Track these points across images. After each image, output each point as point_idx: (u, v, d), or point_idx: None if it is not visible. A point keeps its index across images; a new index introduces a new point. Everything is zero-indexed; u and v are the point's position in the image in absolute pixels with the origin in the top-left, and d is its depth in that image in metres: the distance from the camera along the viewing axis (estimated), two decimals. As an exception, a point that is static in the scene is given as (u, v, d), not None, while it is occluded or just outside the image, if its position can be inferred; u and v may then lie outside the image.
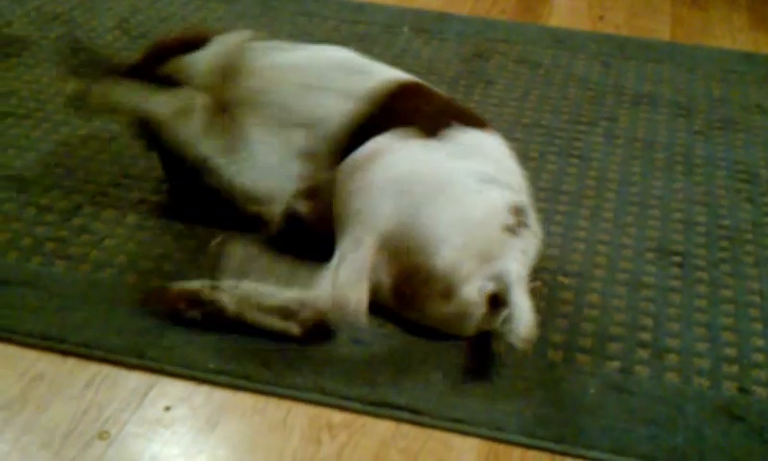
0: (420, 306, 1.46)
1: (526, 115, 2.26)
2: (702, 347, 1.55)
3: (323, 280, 1.41)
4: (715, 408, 1.42)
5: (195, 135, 1.64)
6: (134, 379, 1.39)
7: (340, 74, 1.69)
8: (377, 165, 1.44)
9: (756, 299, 1.67)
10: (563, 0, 3.04)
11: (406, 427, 1.35)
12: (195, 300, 1.44)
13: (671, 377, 1.48)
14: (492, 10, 2.93)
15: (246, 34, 1.72)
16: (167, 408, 1.35)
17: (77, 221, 1.73)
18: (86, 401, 1.35)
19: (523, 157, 2.05)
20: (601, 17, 2.93)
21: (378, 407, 1.37)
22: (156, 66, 1.69)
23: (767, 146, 2.20)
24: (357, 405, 1.37)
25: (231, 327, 1.45)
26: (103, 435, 1.30)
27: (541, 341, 1.52)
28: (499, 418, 1.37)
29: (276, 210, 1.61)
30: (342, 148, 1.55)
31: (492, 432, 1.35)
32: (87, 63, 1.84)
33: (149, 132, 1.71)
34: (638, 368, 1.49)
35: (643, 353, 1.52)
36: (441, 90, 1.79)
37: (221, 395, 1.38)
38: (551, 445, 1.34)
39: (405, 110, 1.59)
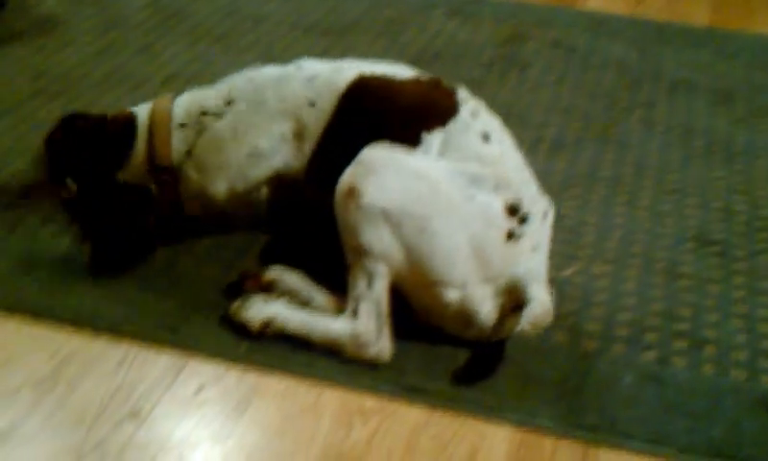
0: (444, 330, 1.47)
1: (562, 100, 2.25)
2: (740, 339, 1.53)
3: (343, 329, 1.41)
4: (753, 401, 1.41)
5: None
6: (165, 360, 1.40)
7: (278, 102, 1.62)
8: (371, 188, 1.41)
9: (797, 291, 1.66)
10: (600, -17, 3.02)
11: (438, 414, 1.35)
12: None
13: (708, 369, 1.47)
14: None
15: (167, 97, 1.65)
16: (198, 389, 1.36)
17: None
18: (117, 381, 1.36)
19: (558, 143, 2.06)
20: (639, 1, 2.91)
21: (410, 393, 1.38)
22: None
23: (810, 135, 2.17)
24: (389, 391, 1.38)
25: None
26: (134, 415, 1.31)
27: (576, 330, 1.52)
28: (532, 406, 1.37)
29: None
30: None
31: (525, 420, 1.35)
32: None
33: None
34: (675, 359, 1.48)
35: (680, 344, 1.51)
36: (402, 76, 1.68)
37: (252, 377, 1.39)
38: (585, 434, 1.34)
39: (373, 111, 1.56)
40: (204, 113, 1.60)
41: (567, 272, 1.66)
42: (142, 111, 1.62)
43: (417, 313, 1.46)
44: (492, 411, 1.36)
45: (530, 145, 2.05)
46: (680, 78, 2.40)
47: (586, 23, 2.69)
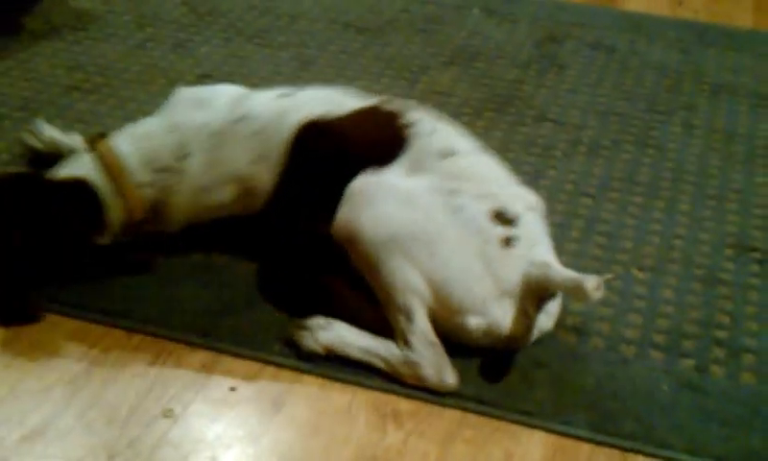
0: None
1: (600, 102, 2.24)
2: (781, 348, 1.52)
3: (400, 359, 1.40)
4: (794, 412, 1.40)
5: None
6: (199, 358, 1.42)
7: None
8: (368, 223, 1.42)
9: (841, 300, 1.64)
10: (641, -17, 3.00)
11: (472, 418, 1.36)
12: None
13: (747, 378, 1.46)
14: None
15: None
16: (232, 388, 1.38)
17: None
18: (151, 379, 1.38)
19: (596, 146, 2.05)
20: (680, 2, 2.88)
21: (445, 397, 1.38)
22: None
23: None
24: (423, 394, 1.38)
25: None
26: (167, 413, 1.33)
27: (613, 335, 1.52)
28: (568, 412, 1.37)
29: None
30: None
31: (560, 426, 1.35)
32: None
33: None
34: (714, 367, 1.48)
35: (719, 352, 1.51)
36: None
37: (286, 377, 1.40)
38: (621, 442, 1.34)
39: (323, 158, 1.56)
40: (161, 170, 1.56)
41: (605, 277, 1.65)
42: (90, 172, 1.54)
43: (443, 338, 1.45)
44: (527, 416, 1.36)
45: (567, 147, 2.05)
46: (721, 80, 2.38)
47: (625, 24, 2.68)
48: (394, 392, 1.39)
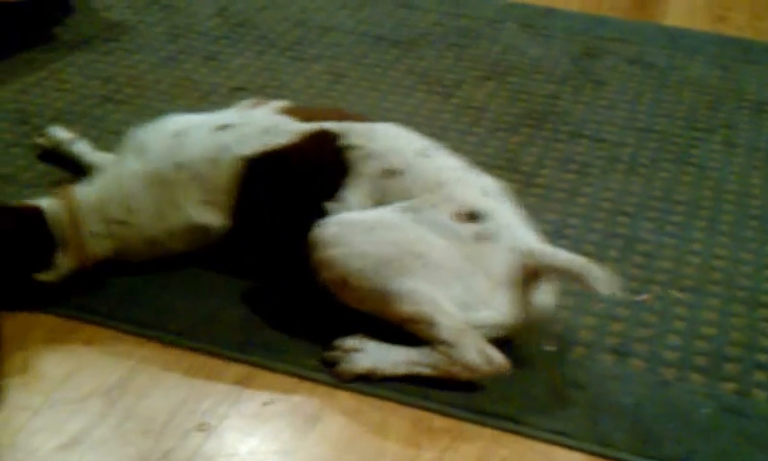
0: None
1: (638, 119, 2.26)
2: (825, 372, 1.53)
3: (448, 361, 1.42)
4: (838, 438, 1.41)
5: None
6: (234, 372, 1.45)
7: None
8: (350, 259, 1.43)
9: None
10: (681, -2, 3.02)
11: (507, 437, 1.38)
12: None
13: (791, 403, 1.47)
14: (603, 6, 2.93)
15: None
16: (266, 403, 1.40)
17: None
18: (185, 392, 1.41)
19: (634, 163, 2.07)
20: (721, 18, 2.89)
21: (479, 415, 1.40)
22: None
23: None
24: (458, 412, 1.40)
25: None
26: (202, 426, 1.36)
27: (652, 357, 1.53)
28: (605, 433, 1.39)
29: None
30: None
31: (598, 448, 1.37)
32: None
33: None
34: (756, 391, 1.49)
35: (761, 376, 1.52)
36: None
37: (321, 393, 1.43)
38: (661, 465, 1.35)
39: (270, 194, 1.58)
40: (114, 222, 1.58)
41: (643, 297, 1.67)
42: (51, 206, 1.57)
43: None
44: (563, 436, 1.38)
45: (604, 165, 2.06)
46: (763, 98, 2.39)
47: (665, 39, 2.69)
48: (428, 409, 1.41)
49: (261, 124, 1.62)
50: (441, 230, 1.46)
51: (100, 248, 1.58)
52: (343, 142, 1.57)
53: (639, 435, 1.39)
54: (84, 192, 1.60)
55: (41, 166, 1.92)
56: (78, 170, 1.87)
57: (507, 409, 1.41)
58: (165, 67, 2.35)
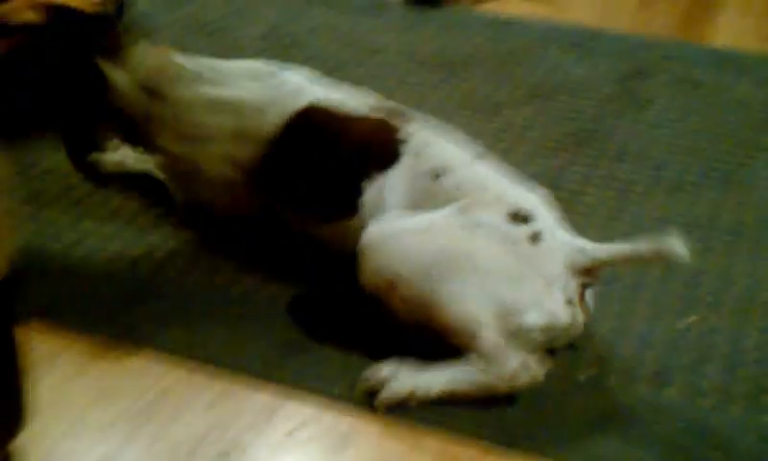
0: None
1: (683, 140, 2.15)
2: None
3: (486, 374, 1.36)
4: None
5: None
6: (260, 399, 1.40)
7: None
8: (397, 262, 1.39)
9: None
10: (728, 18, 2.89)
11: (540, 466, 1.30)
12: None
13: (836, 436, 1.36)
14: (650, 26, 2.82)
15: (165, 52, 1.71)
16: (294, 429, 1.35)
17: (211, 237, 1.75)
18: (213, 418, 1.36)
19: (678, 185, 1.97)
20: (771, 37, 2.77)
21: (508, 447, 1.33)
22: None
23: None
24: (486, 442, 1.33)
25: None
26: (228, 453, 1.31)
27: (691, 385, 1.44)
28: (640, 466, 1.30)
29: None
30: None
31: (633, 481, 1.28)
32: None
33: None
34: (799, 423, 1.38)
35: (806, 407, 1.41)
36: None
37: (349, 419, 1.37)
38: (697, 500, 1.26)
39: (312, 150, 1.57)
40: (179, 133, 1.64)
41: (684, 322, 1.57)
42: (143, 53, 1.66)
43: None
44: (597, 465, 1.30)
45: (648, 185, 1.97)
46: (813, 119, 2.26)
47: (712, 59, 2.58)
48: (456, 439, 1.34)
49: (339, 93, 1.65)
50: (493, 231, 1.40)
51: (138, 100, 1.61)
52: (401, 134, 1.55)
53: (675, 468, 1.30)
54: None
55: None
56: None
57: (536, 440, 1.33)
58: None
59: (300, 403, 1.39)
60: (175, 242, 1.73)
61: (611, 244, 1.42)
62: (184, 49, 2.51)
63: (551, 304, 1.37)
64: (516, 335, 1.37)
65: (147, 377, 1.44)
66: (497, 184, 1.49)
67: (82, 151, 1.64)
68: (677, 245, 1.34)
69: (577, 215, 1.83)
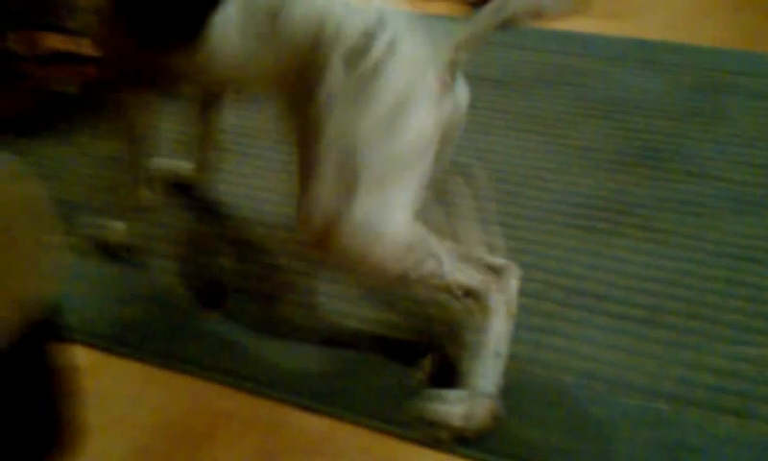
0: None
1: (764, 156, 2.08)
2: None
3: None
4: None
5: None
6: (320, 425, 1.38)
7: None
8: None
9: None
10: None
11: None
12: None
13: None
14: (729, 38, 2.75)
15: None
16: (349, 459, 1.32)
17: (273, 259, 1.76)
18: (270, 444, 1.35)
19: (761, 204, 1.90)
20: None
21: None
22: None
23: None
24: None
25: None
26: (285, 482, 1.29)
27: (746, 414, 1.37)
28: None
29: None
30: None
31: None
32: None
33: None
34: None
35: None
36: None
37: (406, 450, 1.34)
38: None
39: None
40: None
41: (747, 349, 1.51)
42: None
43: None
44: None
45: (728, 207, 1.90)
46: None
47: (795, 71, 2.49)
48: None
49: None
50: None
51: None
52: None
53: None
54: None
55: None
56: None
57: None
58: (270, 120, 2.33)
59: (357, 429, 1.37)
60: (239, 267, 1.73)
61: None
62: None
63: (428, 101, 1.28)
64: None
65: (208, 402, 1.43)
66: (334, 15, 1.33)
67: None
68: None
69: (648, 241, 1.78)
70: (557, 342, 1.52)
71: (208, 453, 1.34)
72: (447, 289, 1.33)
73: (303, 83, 1.34)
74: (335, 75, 1.30)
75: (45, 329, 1.08)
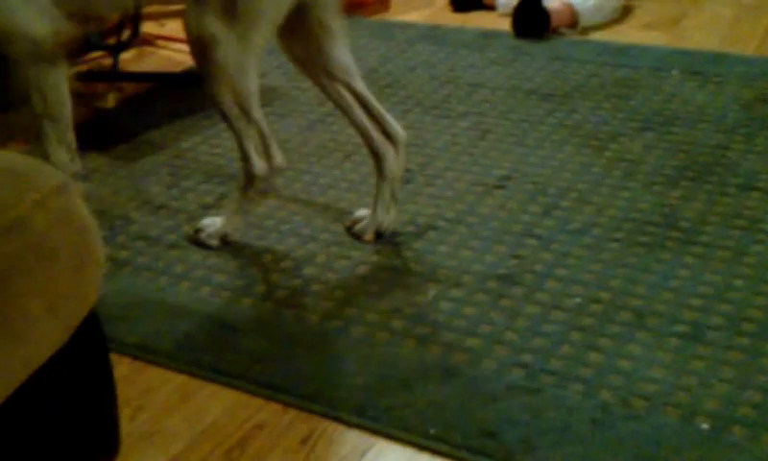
0: None
1: (812, 169, 2.07)
2: None
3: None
4: None
5: None
6: (352, 439, 1.40)
7: None
8: None
9: None
10: None
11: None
12: None
13: None
14: (776, 48, 2.74)
15: None
16: (384, 474, 1.34)
17: (308, 270, 1.79)
18: (302, 457, 1.37)
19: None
20: None
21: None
22: None
23: None
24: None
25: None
26: (317, 495, 1.31)
27: None
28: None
29: None
30: None
31: None
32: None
33: None
34: None
35: None
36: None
37: (441, 463, 1.35)
38: None
39: None
40: None
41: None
42: None
43: None
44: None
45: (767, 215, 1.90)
46: None
47: None
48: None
49: None
50: None
51: None
52: None
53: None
54: None
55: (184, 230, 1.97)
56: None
57: None
58: (312, 130, 2.38)
59: (391, 445, 1.38)
60: (270, 278, 1.77)
61: None
62: (291, 90, 2.61)
63: None
64: None
65: (240, 412, 1.46)
66: None
67: None
68: None
69: (693, 255, 1.78)
70: (595, 358, 1.53)
71: (249, 459, 1.37)
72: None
73: None
74: None
75: (88, 339, 1.12)
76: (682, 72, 2.59)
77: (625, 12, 3.13)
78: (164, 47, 3.09)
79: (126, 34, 2.76)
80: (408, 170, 2.12)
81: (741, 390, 1.45)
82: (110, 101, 2.62)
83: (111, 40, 2.78)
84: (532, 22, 2.88)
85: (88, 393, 1.16)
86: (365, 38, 2.98)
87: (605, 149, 2.20)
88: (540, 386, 1.46)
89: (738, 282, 1.71)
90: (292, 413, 1.45)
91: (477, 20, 3.16)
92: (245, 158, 1.83)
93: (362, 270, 1.78)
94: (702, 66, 2.61)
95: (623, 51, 2.73)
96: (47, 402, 1.09)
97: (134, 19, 2.72)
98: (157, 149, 2.31)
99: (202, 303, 1.71)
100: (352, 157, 2.22)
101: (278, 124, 2.41)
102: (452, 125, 2.35)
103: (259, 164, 1.83)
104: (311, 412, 1.45)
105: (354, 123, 1.89)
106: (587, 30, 2.97)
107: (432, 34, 3.02)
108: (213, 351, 1.58)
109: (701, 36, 2.87)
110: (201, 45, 1.70)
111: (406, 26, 3.12)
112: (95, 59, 2.85)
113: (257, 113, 1.78)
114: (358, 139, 2.27)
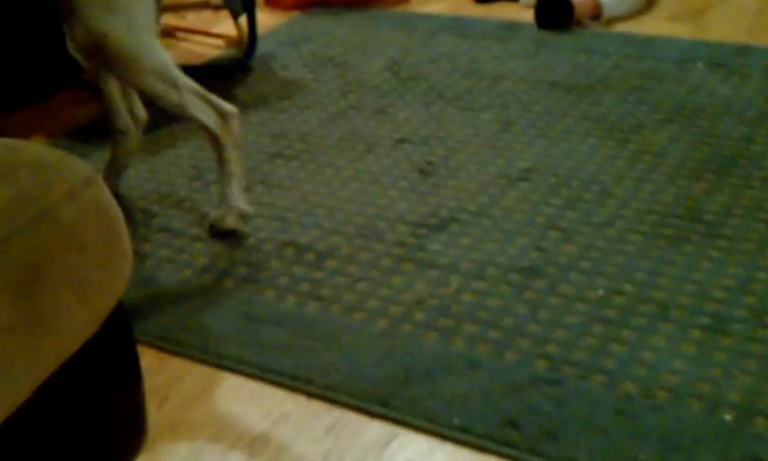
0: None
1: (840, 161, 2.08)
2: None
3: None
4: None
5: None
6: (376, 429, 1.43)
7: None
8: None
9: None
10: None
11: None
12: None
13: None
14: (805, 40, 2.74)
15: None
16: (407, 463, 1.37)
17: (330, 263, 1.82)
18: (326, 447, 1.40)
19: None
20: None
21: None
22: None
23: None
24: (613, 480, 1.31)
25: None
26: (341, 484, 1.34)
27: None
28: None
29: None
30: None
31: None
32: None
33: None
34: None
35: None
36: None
37: (464, 456, 1.37)
38: None
39: None
40: None
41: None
42: None
43: None
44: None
45: (799, 211, 1.91)
46: None
47: None
48: (579, 476, 1.33)
49: None
50: None
51: None
52: None
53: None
54: None
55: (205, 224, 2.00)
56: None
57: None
58: (334, 122, 2.40)
59: (415, 435, 1.41)
60: (294, 271, 1.80)
61: None
62: (312, 82, 2.65)
63: None
64: None
65: (265, 403, 1.49)
66: None
67: None
68: None
69: (716, 248, 1.79)
70: (619, 349, 1.55)
71: (263, 454, 1.40)
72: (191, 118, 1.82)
73: None
74: None
75: (117, 330, 1.15)
76: (706, 64, 2.60)
77: (649, 3, 3.14)
78: (185, 39, 3.13)
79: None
80: (430, 163, 2.14)
81: (764, 381, 1.47)
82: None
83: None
84: (555, 14, 2.90)
85: (117, 383, 1.19)
86: (386, 30, 3.01)
87: (628, 141, 2.22)
88: (564, 377, 1.49)
89: (762, 275, 1.72)
90: (316, 403, 1.49)
91: (500, 11, 3.18)
92: (202, 126, 1.84)
93: (385, 262, 1.81)
94: (726, 59, 2.62)
95: (647, 43, 2.74)
96: (77, 392, 1.12)
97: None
98: (179, 141, 2.34)
99: (225, 295, 1.74)
100: (374, 149, 2.24)
101: (299, 117, 2.44)
102: (475, 117, 2.37)
103: (223, 105, 1.84)
104: (335, 402, 1.48)
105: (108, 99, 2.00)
106: (610, 21, 2.99)
107: (454, 25, 3.04)
108: (237, 343, 1.61)
109: (725, 28, 2.88)
110: (95, 47, 1.73)
111: (428, 17, 3.15)
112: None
113: (185, 78, 1.80)
114: (381, 131, 2.32)
